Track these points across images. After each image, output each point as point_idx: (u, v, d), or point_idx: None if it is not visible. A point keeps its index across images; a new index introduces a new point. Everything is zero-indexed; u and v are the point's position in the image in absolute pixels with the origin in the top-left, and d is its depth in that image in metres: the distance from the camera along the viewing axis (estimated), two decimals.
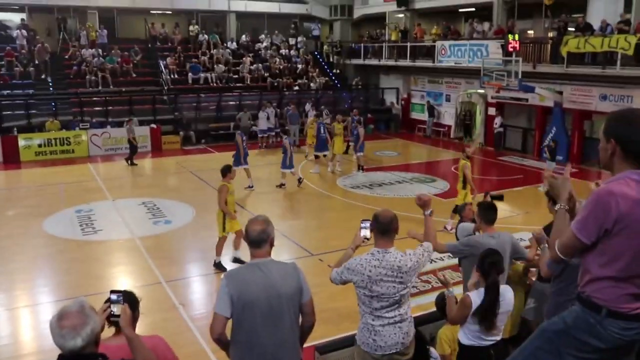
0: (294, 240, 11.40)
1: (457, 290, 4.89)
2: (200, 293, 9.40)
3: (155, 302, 8.32)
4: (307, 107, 22.63)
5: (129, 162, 19.38)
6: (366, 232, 4.43)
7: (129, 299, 3.26)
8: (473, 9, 25.81)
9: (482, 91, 22.74)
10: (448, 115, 25.63)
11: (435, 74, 26.06)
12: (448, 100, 25.74)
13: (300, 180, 16.23)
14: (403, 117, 28.26)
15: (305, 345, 4.18)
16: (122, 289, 3.23)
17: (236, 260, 9.92)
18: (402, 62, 26.76)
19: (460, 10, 26.88)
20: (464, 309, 4.44)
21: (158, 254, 10.74)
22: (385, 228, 4.15)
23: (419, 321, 5.12)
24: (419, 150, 23.82)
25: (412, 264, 4.16)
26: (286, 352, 3.83)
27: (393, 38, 28.10)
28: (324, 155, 18.43)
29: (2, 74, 23.39)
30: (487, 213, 5.45)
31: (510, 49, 19.41)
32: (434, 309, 5.47)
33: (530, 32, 24.13)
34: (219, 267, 9.89)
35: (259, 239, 3.79)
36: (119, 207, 14.06)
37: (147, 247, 11.12)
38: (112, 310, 3.06)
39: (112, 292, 3.12)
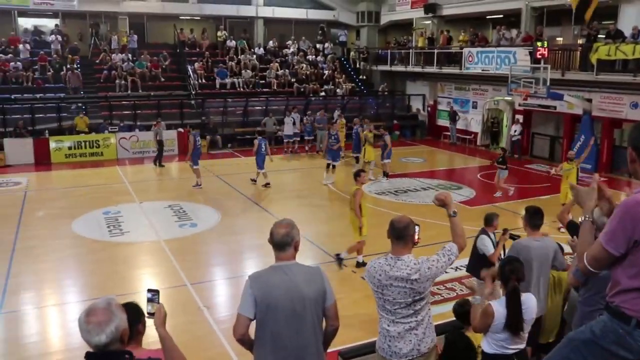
0: (319, 245, 11.40)
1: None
2: (224, 296, 9.45)
3: (180, 305, 8.40)
4: (336, 114, 22.61)
5: (157, 163, 19.64)
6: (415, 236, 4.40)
7: (132, 310, 3.22)
8: (501, 16, 25.60)
9: (509, 98, 22.53)
10: (474, 123, 25.43)
11: (462, 80, 25.90)
12: (475, 107, 25.55)
13: (254, 181, 16.92)
14: (429, 124, 28.12)
15: (328, 350, 4.18)
16: (156, 288, 3.27)
17: (359, 264, 10.01)
18: (428, 69, 26.65)
19: (488, 17, 26.69)
20: (486, 318, 4.38)
21: (183, 256, 10.83)
22: (399, 234, 4.10)
23: (442, 329, 5.08)
24: (445, 157, 23.67)
25: (425, 272, 4.02)
26: (309, 355, 3.82)
27: (420, 45, 28.00)
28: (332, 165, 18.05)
29: (35, 78, 23.90)
30: (534, 218, 5.48)
31: (539, 56, 19.19)
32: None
33: (559, 39, 23.85)
34: (339, 261, 10.00)
35: (283, 242, 3.81)
36: (145, 210, 14.24)
37: (172, 249, 11.23)
38: (147, 308, 3.12)
39: (148, 290, 3.18)
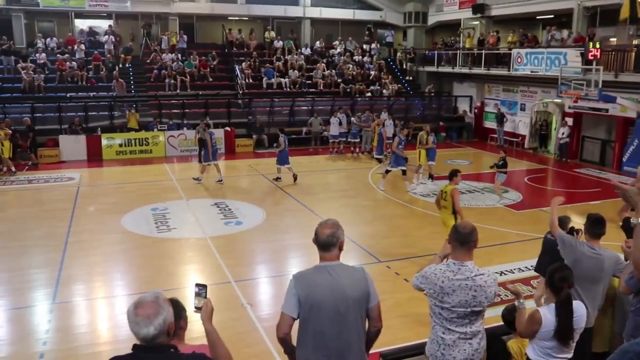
0: (362, 246, 11.39)
1: (530, 304, 4.73)
2: (268, 294, 9.53)
3: (224, 301, 8.51)
4: (383, 115, 22.51)
5: (199, 161, 19.96)
6: None
7: (173, 306, 3.31)
8: (552, 16, 25.03)
9: (559, 101, 22.01)
10: (522, 125, 24.93)
11: (510, 82, 25.43)
12: (523, 109, 25.05)
13: (283, 177, 17.60)
14: (476, 125, 27.72)
15: (370, 352, 4.17)
16: (204, 282, 3.34)
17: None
18: (476, 70, 26.28)
19: (538, 17, 26.12)
20: (534, 324, 4.27)
21: (228, 254, 10.97)
22: (464, 239, 4.03)
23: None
24: (491, 159, 23.20)
25: (491, 283, 4.03)
26: (351, 355, 3.82)
27: (467, 45, 27.63)
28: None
29: (89, 77, 24.66)
30: (594, 226, 5.26)
31: (591, 57, 18.68)
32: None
33: (613, 39, 23.16)
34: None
35: (328, 242, 3.81)
36: (192, 207, 14.49)
37: (217, 246, 11.39)
38: (194, 302, 3.20)
39: (196, 285, 3.26)
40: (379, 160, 19.16)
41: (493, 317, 5.70)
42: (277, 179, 17.48)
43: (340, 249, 3.89)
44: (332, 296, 3.70)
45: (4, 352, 7.15)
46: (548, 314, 4.24)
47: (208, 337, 3.17)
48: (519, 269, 9.96)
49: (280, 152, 17.30)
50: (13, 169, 18.26)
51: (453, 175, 10.01)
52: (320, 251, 3.86)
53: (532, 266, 9.80)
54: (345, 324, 3.75)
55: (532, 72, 22.54)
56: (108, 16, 28.54)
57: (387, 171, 16.84)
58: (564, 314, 4.22)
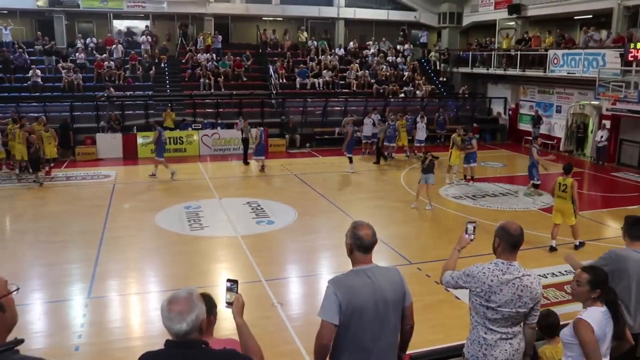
0: (393, 248, 11.35)
1: (564, 310, 4.60)
2: (298, 294, 9.56)
3: (255, 300, 8.56)
4: (418, 118, 22.41)
5: (243, 161, 20.24)
6: (472, 235, 4.44)
7: (207, 302, 3.37)
8: (590, 16, 24.52)
9: (596, 103, 21.56)
10: (558, 127, 24.50)
11: (546, 84, 25.03)
12: (559, 111, 24.63)
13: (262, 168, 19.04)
14: (510, 127, 27.34)
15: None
16: (235, 278, 3.39)
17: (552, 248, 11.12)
18: (511, 72, 25.92)
19: (576, 17, 25.62)
20: (591, 332, 4.00)
21: (259, 253, 11.04)
22: (516, 242, 4.01)
23: None
24: (526, 162, 22.83)
25: (533, 282, 3.99)
26: (388, 356, 3.82)
27: (505, 46, 27.22)
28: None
29: (126, 76, 25.12)
30: (634, 228, 5.14)
31: (630, 59, 18.26)
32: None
33: None
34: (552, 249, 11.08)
35: (372, 244, 3.79)
36: (225, 206, 14.63)
37: (249, 245, 11.47)
38: (225, 297, 3.25)
39: (228, 280, 3.32)
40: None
41: None
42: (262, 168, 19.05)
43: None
44: (373, 299, 3.67)
45: (42, 343, 7.34)
46: (597, 321, 4.03)
47: (239, 331, 3.24)
48: (552, 273, 9.81)
49: (257, 144, 18.96)
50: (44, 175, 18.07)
51: (570, 168, 11.27)
52: (362, 254, 3.78)
53: (565, 271, 9.66)
54: (384, 326, 3.73)
55: (568, 73, 22.15)
56: (145, 17, 29.07)
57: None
58: (620, 317, 4.13)
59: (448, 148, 18.17)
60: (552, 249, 11.10)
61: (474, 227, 4.48)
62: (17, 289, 2.16)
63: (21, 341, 2.10)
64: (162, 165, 17.97)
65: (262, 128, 19.66)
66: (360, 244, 3.75)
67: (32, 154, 16.96)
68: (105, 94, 23.43)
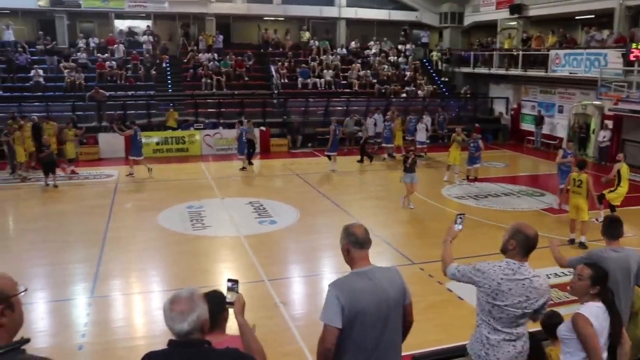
0: (395, 247, 11.36)
1: (567, 310, 4.58)
2: (300, 293, 9.58)
3: (258, 299, 8.58)
4: (426, 119, 22.41)
5: (248, 161, 20.24)
6: (460, 226, 4.58)
7: (218, 298, 3.39)
8: (591, 16, 24.51)
9: (598, 103, 21.55)
10: (560, 127, 24.49)
11: (548, 84, 25.01)
12: (561, 111, 24.61)
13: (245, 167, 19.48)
14: (512, 127, 27.32)
15: (404, 354, 4.14)
16: (236, 278, 3.40)
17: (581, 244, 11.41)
18: (513, 71, 25.91)
19: (577, 17, 25.60)
20: (589, 326, 4.04)
21: (262, 252, 11.05)
22: (533, 246, 4.04)
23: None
24: (528, 162, 22.94)
25: (545, 284, 4.01)
26: (391, 355, 3.83)
27: (506, 46, 27.20)
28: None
29: (128, 76, 25.16)
30: (611, 227, 5.17)
31: (633, 58, 18.26)
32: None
33: None
34: (583, 246, 11.26)
35: (367, 240, 3.79)
36: (227, 205, 14.65)
37: (251, 245, 11.48)
38: (226, 297, 3.26)
39: (228, 280, 3.33)
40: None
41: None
42: (243, 168, 19.34)
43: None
44: (376, 301, 3.66)
45: (46, 342, 7.36)
46: (595, 316, 4.04)
47: (241, 331, 3.26)
48: (555, 274, 9.79)
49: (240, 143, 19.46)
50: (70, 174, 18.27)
51: (584, 164, 12.06)
52: (358, 250, 3.78)
53: (569, 271, 9.65)
54: (386, 325, 3.72)
55: (570, 73, 22.15)
56: (147, 17, 29.09)
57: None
58: (616, 314, 4.14)
59: (449, 148, 18.16)
60: (572, 242, 11.68)
61: (462, 219, 4.62)
62: (25, 289, 2.19)
63: (27, 340, 2.13)
64: (142, 165, 18.16)
65: (244, 127, 19.92)
66: (355, 240, 3.77)
67: (46, 156, 16.52)
68: (90, 93, 23.27)
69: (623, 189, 13.12)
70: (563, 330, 4.17)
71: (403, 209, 14.49)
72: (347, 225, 3.89)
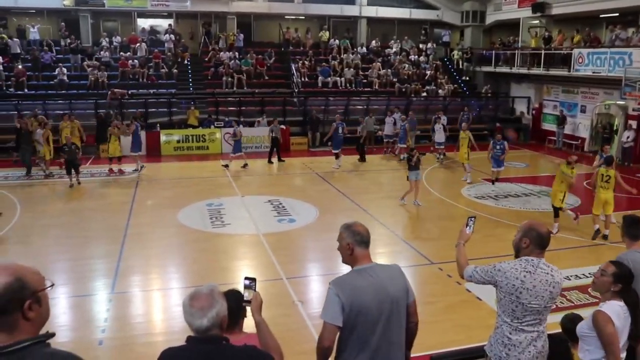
0: (414, 247, 11.32)
1: (588, 313, 4.49)
2: (319, 292, 9.55)
3: (276, 297, 8.62)
4: (443, 118, 22.14)
5: (278, 159, 20.31)
6: (471, 229, 4.61)
7: (236, 297, 3.42)
8: (616, 14, 24.15)
9: (622, 103, 21.23)
10: (582, 127, 24.18)
11: (571, 83, 24.70)
12: (583, 111, 24.30)
13: (245, 165, 19.34)
14: (533, 127, 27.05)
15: (420, 354, 4.12)
16: (253, 276, 3.41)
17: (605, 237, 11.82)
18: (535, 71, 25.64)
19: (602, 15, 25.25)
20: (610, 324, 3.99)
21: (281, 251, 11.08)
22: (547, 243, 4.05)
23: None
24: (549, 162, 22.68)
25: (561, 278, 4.04)
26: (395, 355, 3.81)
27: (532, 45, 26.87)
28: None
29: (150, 74, 25.39)
30: (631, 228, 5.07)
31: None
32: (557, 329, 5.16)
33: None
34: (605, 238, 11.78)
35: (368, 238, 3.82)
36: (246, 203, 14.71)
37: (270, 243, 11.52)
38: (244, 295, 3.29)
39: (246, 278, 3.35)
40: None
41: (554, 323, 5.54)
42: (226, 166, 19.29)
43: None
44: (377, 299, 3.64)
45: (67, 337, 7.46)
46: (616, 314, 4.00)
47: (258, 328, 3.28)
48: (576, 275, 9.69)
49: (235, 141, 19.15)
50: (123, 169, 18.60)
51: (612, 160, 12.40)
52: (363, 249, 3.80)
53: (590, 274, 9.53)
54: (389, 324, 3.70)
55: (594, 72, 21.85)
56: (169, 15, 29.33)
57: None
58: (638, 315, 4.08)
59: (474, 149, 18.02)
60: (598, 232, 11.95)
61: (473, 221, 4.65)
62: (52, 285, 2.24)
63: (52, 335, 2.17)
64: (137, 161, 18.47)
65: (241, 125, 20.20)
66: (361, 239, 3.79)
67: (70, 153, 16.48)
68: (109, 98, 23.45)
69: None
70: (584, 327, 4.14)
71: (415, 206, 14.54)
72: (348, 224, 3.92)
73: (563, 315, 5.05)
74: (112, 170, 18.59)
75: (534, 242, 4.01)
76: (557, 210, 12.46)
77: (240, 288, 3.45)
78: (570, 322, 4.69)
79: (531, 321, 3.96)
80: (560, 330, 4.93)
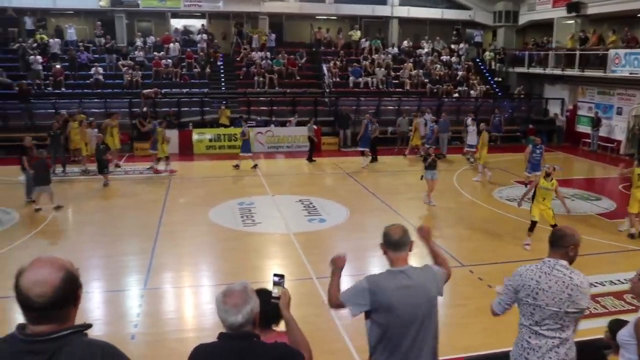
0: (445, 249, 11.23)
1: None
2: None
3: (306, 297, 8.65)
4: (469, 121, 21.82)
5: (309, 159, 20.40)
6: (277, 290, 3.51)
7: (264, 298, 3.44)
8: None
9: None
10: (618, 130, 23.68)
11: (606, 84, 24.21)
12: (619, 113, 23.79)
13: (255, 166, 19.14)
14: (567, 129, 26.56)
15: (452, 356, 4.12)
16: (282, 273, 3.45)
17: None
18: (569, 72, 25.19)
19: (639, 15, 24.69)
20: None
21: (311, 250, 11.13)
22: (555, 241, 4.04)
23: (580, 347, 4.79)
24: (583, 165, 22.28)
25: (582, 281, 3.92)
26: (427, 354, 3.82)
27: (569, 46, 26.37)
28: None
29: (183, 74, 25.71)
30: None
31: None
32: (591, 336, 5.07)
33: None
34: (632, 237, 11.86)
35: (402, 242, 3.84)
36: (277, 203, 14.80)
37: (301, 242, 11.58)
38: (273, 292, 3.32)
39: (275, 275, 3.39)
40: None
41: (588, 329, 5.46)
42: (236, 166, 19.15)
43: (410, 250, 3.92)
44: (410, 302, 3.69)
45: (100, 330, 7.61)
46: None
47: (287, 325, 3.31)
48: (611, 281, 9.52)
49: (244, 141, 19.09)
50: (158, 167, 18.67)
51: None
52: (393, 252, 3.85)
53: (625, 280, 9.35)
54: (422, 324, 3.74)
55: (631, 74, 21.39)
56: (202, 16, 29.65)
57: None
58: None
59: (503, 151, 17.82)
60: (633, 237, 11.86)
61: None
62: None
63: (90, 325, 2.27)
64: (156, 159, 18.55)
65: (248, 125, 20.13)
66: (388, 240, 3.86)
67: (99, 152, 16.71)
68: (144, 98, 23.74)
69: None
70: (624, 335, 4.05)
71: (435, 207, 14.54)
72: (387, 227, 3.99)
73: (610, 320, 4.93)
74: (157, 169, 18.46)
75: (549, 240, 4.06)
76: (534, 225, 11.36)
77: (270, 286, 3.49)
78: (617, 325, 4.57)
79: (552, 326, 3.90)
80: (594, 337, 4.85)
